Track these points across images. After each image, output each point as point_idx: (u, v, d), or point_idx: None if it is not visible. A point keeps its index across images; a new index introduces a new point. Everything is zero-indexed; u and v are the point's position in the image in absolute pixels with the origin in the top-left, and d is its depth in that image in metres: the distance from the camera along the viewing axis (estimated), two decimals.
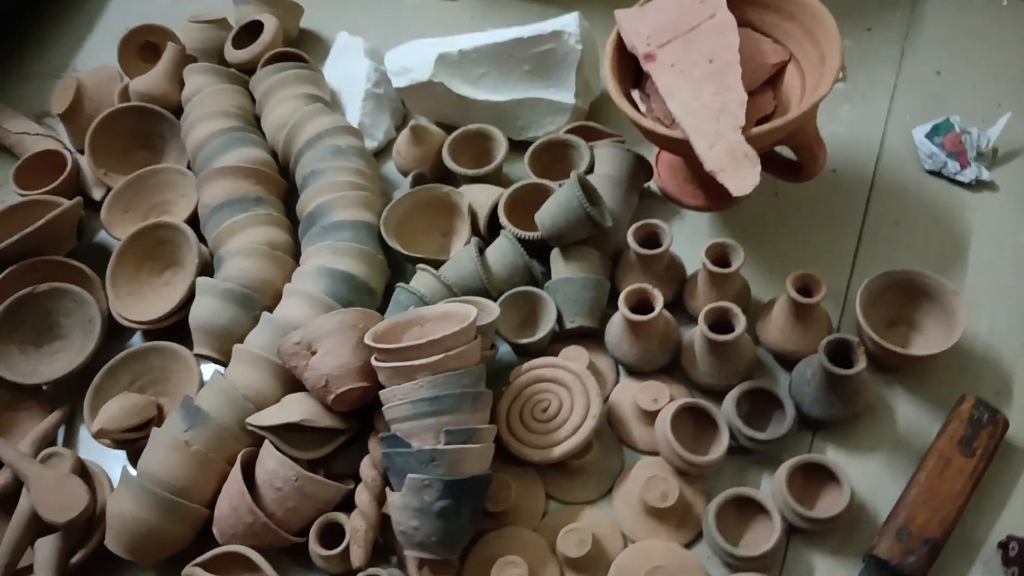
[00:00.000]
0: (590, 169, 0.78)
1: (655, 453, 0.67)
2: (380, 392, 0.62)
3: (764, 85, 0.74)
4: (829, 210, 0.79)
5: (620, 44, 0.74)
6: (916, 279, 0.68)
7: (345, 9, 1.07)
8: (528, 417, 0.66)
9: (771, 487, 0.63)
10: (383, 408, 0.62)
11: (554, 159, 0.81)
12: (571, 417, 0.65)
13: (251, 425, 0.65)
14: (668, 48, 0.70)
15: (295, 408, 0.65)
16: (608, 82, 0.71)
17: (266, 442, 0.64)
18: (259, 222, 0.78)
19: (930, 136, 0.80)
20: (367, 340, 0.62)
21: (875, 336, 0.65)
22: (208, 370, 0.75)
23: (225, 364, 0.72)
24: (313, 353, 0.64)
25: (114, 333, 0.79)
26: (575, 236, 0.72)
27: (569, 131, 0.83)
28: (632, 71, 0.74)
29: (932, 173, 0.79)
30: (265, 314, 0.71)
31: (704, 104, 0.66)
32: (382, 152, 0.90)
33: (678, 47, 0.70)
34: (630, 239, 0.70)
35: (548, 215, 0.72)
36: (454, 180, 0.84)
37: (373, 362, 0.62)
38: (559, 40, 0.81)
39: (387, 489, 0.62)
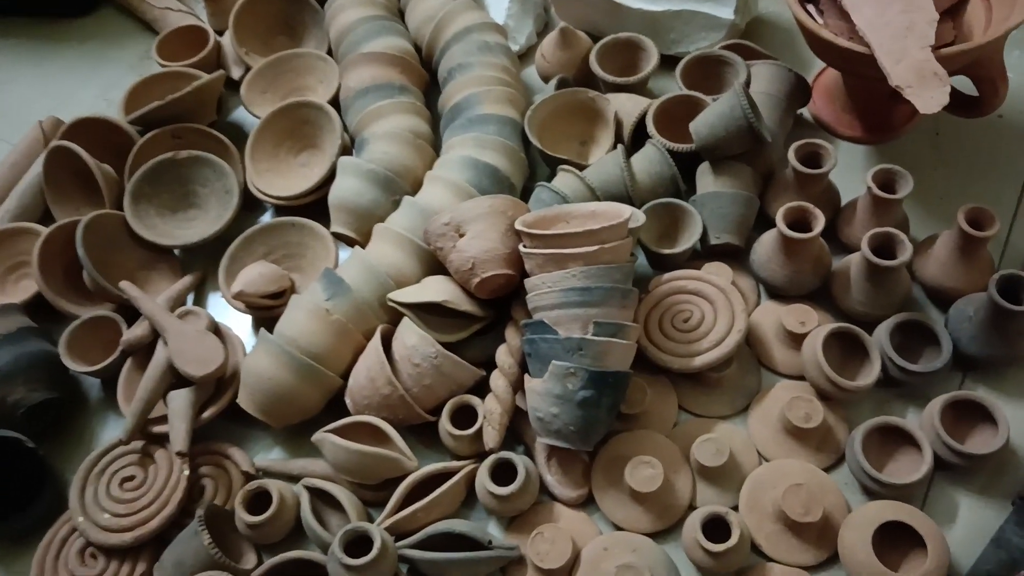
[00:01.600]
0: (746, 85, 0.75)
1: (796, 377, 0.65)
2: (526, 280, 0.61)
3: (944, 14, 0.70)
4: (992, 156, 0.75)
5: None
6: None
7: None
8: (668, 326, 0.65)
9: (921, 420, 0.61)
10: (528, 295, 0.61)
11: (706, 75, 0.79)
12: (714, 329, 0.63)
13: (392, 301, 0.64)
14: None
15: (437, 288, 0.65)
16: None
17: (405, 319, 0.64)
18: (403, 109, 0.77)
19: None
20: (518, 225, 0.61)
21: None
22: (344, 251, 0.75)
23: (362, 244, 0.72)
24: (461, 235, 0.63)
25: (249, 206, 0.80)
26: (732, 149, 0.69)
27: (723, 48, 0.80)
28: None
29: None
30: (407, 198, 0.71)
31: (890, 21, 0.63)
32: (523, 58, 0.88)
33: None
34: (791, 157, 0.67)
35: (705, 124, 0.69)
36: (598, 88, 0.82)
37: (522, 248, 0.61)
38: None
39: (526, 375, 0.61)
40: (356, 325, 0.65)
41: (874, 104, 0.76)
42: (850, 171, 0.74)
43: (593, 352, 0.57)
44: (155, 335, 0.69)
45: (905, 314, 0.63)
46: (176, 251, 0.78)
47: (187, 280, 0.76)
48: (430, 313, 0.65)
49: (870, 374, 0.61)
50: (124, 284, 0.70)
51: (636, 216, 0.61)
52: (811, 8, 0.70)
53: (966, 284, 0.64)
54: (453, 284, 0.65)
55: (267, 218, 0.81)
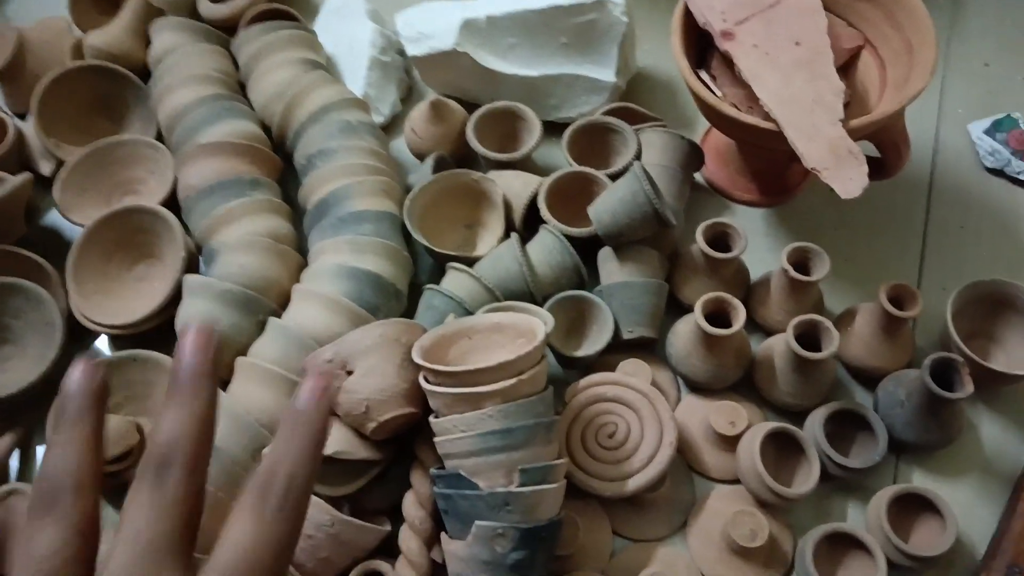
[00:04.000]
0: (637, 157, 0.70)
1: (728, 481, 0.60)
2: (433, 421, 0.52)
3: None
4: (889, 210, 0.73)
5: (687, 18, 0.65)
6: (1005, 289, 0.62)
7: None
8: (592, 443, 0.58)
9: (867, 521, 0.57)
10: (438, 439, 0.52)
11: (592, 143, 0.72)
12: (643, 444, 0.57)
13: None
14: (747, 26, 0.62)
15: (331, 436, 0.55)
16: (679, 60, 0.63)
17: None
18: (258, 209, 0.66)
19: (990, 132, 0.75)
20: (417, 359, 0.52)
21: (969, 352, 0.59)
22: None
23: (221, 384, 0.61)
24: (349, 373, 0.54)
25: (76, 336, 0.66)
26: (637, 235, 0.63)
27: (607, 113, 0.74)
28: (695, 49, 0.66)
29: (992, 171, 0.74)
30: (274, 320, 0.60)
31: (795, 93, 0.59)
32: (387, 129, 0.79)
33: (758, 26, 0.63)
34: (700, 241, 0.62)
35: (607, 211, 0.63)
36: (476, 164, 0.74)
37: (426, 386, 0.52)
38: (603, 10, 0.72)
39: (443, 534, 0.53)
40: (228, 493, 0.54)
41: (770, 167, 0.72)
42: (752, 238, 0.70)
43: (522, 506, 0.49)
44: None
45: (837, 404, 0.60)
46: None
47: (6, 441, 0.62)
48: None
49: (810, 477, 0.56)
50: None
51: (547, 323, 0.54)
52: (703, 74, 0.65)
53: (890, 362, 0.61)
54: (342, 427, 0.56)
55: (103, 349, 0.68)
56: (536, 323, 0.53)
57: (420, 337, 0.55)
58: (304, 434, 0.32)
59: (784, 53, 0.61)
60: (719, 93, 0.63)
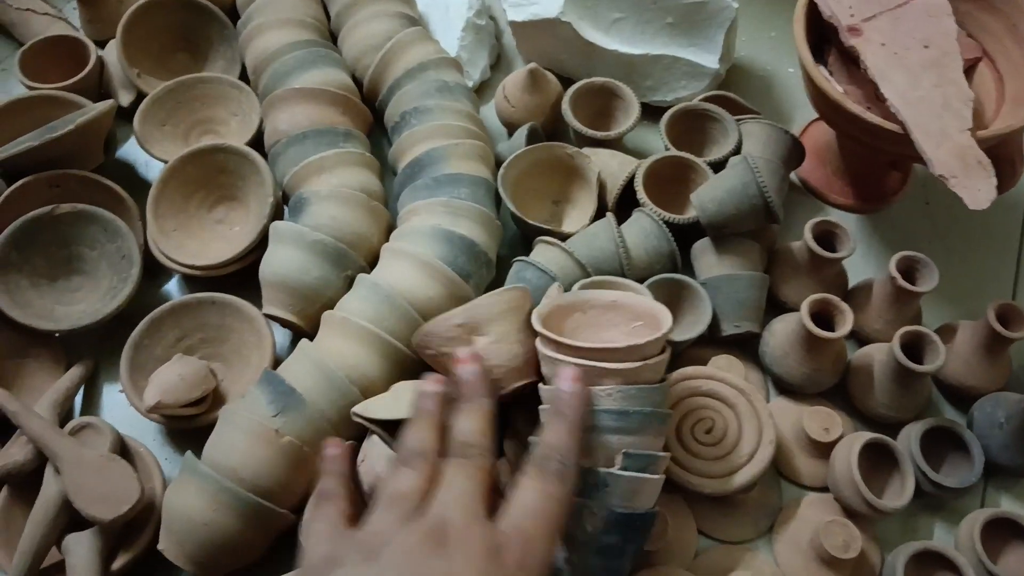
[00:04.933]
0: (738, 148, 0.68)
1: (817, 488, 0.59)
2: (543, 388, 0.50)
3: None
4: (986, 227, 0.71)
5: (810, 9, 0.63)
6: None
7: None
8: (689, 438, 0.56)
9: (956, 541, 0.56)
10: (542, 407, 0.50)
11: (688, 129, 0.70)
12: (742, 441, 0.55)
13: (358, 416, 0.52)
14: (875, 23, 0.61)
15: (411, 399, 0.53)
16: (802, 52, 0.61)
17: (374, 438, 0.52)
18: (351, 161, 0.64)
19: None
20: (539, 328, 0.50)
21: None
22: (279, 334, 0.62)
23: (306, 332, 0.59)
24: (477, 338, 0.52)
25: (150, 273, 0.64)
26: (742, 227, 0.62)
27: (705, 99, 0.72)
28: (814, 41, 0.64)
29: None
30: (365, 277, 0.58)
31: (924, 96, 0.57)
32: (476, 94, 0.77)
33: (885, 24, 0.61)
34: (808, 237, 0.60)
35: (713, 200, 0.61)
36: (567, 139, 0.72)
37: (544, 351, 0.50)
38: None
39: None
40: (313, 448, 0.52)
41: (870, 171, 0.70)
42: None
43: (621, 490, 0.48)
44: (41, 459, 0.53)
45: (932, 420, 0.58)
46: (57, 335, 0.62)
47: (74, 374, 0.60)
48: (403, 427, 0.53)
49: (904, 492, 0.55)
50: None
51: (667, 318, 0.52)
52: (820, 68, 0.63)
53: (988, 382, 0.60)
54: None
55: (173, 290, 0.66)
56: (658, 309, 0.51)
57: (535, 306, 0.54)
58: (569, 417, 0.45)
59: (912, 54, 0.59)
60: (839, 88, 0.61)
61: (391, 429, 0.52)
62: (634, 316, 0.53)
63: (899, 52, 0.59)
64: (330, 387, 0.53)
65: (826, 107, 0.61)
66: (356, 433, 0.54)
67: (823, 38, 0.65)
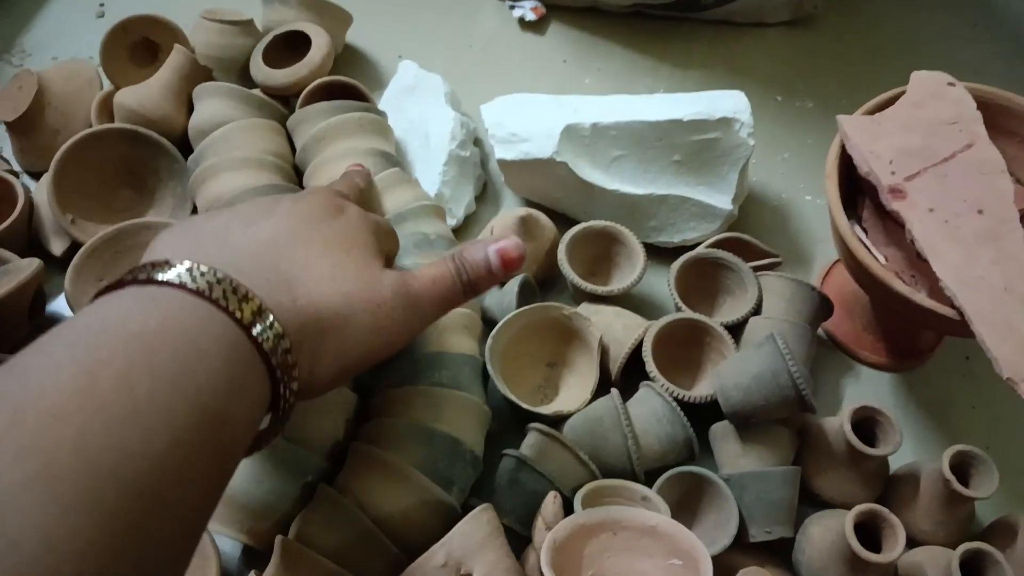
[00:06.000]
0: (757, 307, 0.60)
1: None
2: None
3: None
4: None
5: (843, 162, 0.55)
6: None
7: (394, 26, 0.84)
8: None
9: None
10: None
11: (700, 277, 0.62)
12: None
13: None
14: (919, 183, 0.53)
15: None
16: (838, 219, 0.53)
17: None
18: None
19: None
20: (546, 570, 0.41)
21: None
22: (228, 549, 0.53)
23: (259, 550, 0.49)
24: None
25: None
26: (771, 417, 0.53)
27: (716, 244, 0.64)
28: (844, 190, 0.56)
29: None
30: (328, 492, 0.49)
31: (982, 276, 0.49)
32: (458, 232, 0.68)
33: (932, 184, 0.53)
34: (847, 429, 0.52)
35: (738, 387, 0.53)
36: (562, 286, 0.64)
37: None
38: (728, 130, 0.62)
39: None
40: None
41: (904, 327, 0.62)
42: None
43: None
44: None
45: None
46: None
47: None
48: None
49: None
50: None
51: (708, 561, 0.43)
52: (855, 227, 0.55)
53: None
54: None
55: None
56: (700, 552, 0.42)
57: (556, 526, 0.45)
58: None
59: (965, 222, 0.51)
60: (881, 258, 0.53)
61: None
62: (673, 551, 0.44)
63: (950, 220, 0.51)
64: None
65: (867, 281, 0.53)
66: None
67: (854, 186, 0.57)
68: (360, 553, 0.47)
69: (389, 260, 0.46)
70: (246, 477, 0.49)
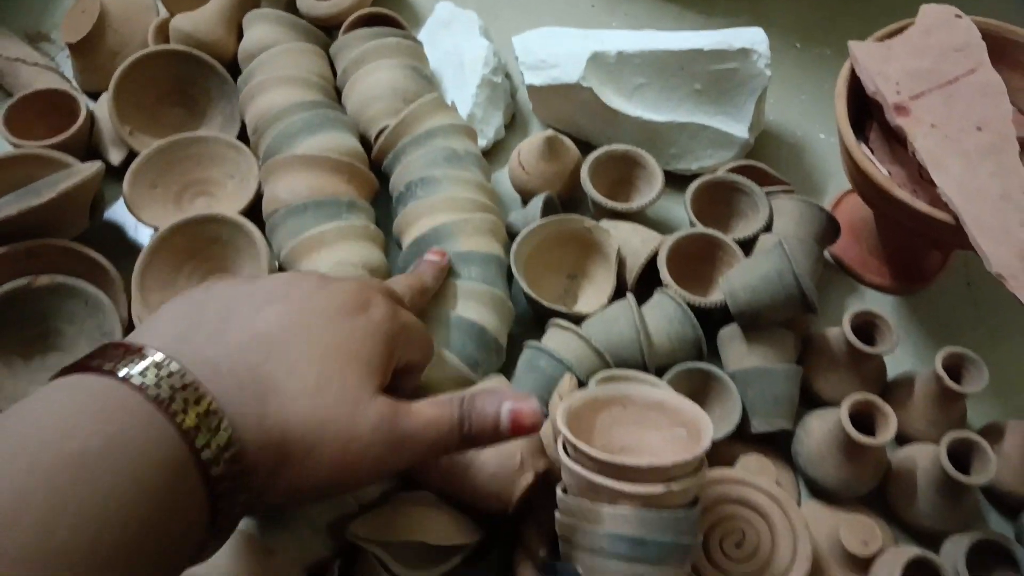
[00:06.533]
0: (768, 224, 0.63)
1: None
2: (560, 497, 0.45)
3: None
4: None
5: (852, 83, 0.59)
6: None
7: None
8: (718, 552, 0.51)
9: None
10: (560, 517, 0.45)
11: (714, 202, 0.66)
12: (774, 557, 0.50)
13: (356, 537, 0.47)
14: (924, 102, 0.56)
15: (417, 519, 0.48)
16: (845, 133, 0.56)
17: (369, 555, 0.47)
18: (353, 235, 0.60)
19: None
20: (562, 427, 0.45)
21: None
22: None
23: None
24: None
25: None
26: (774, 318, 0.57)
27: (733, 170, 0.68)
28: (853, 114, 0.60)
29: None
30: None
31: (981, 186, 0.52)
32: (488, 155, 0.72)
33: (936, 102, 0.56)
34: (847, 330, 0.55)
35: (745, 288, 0.56)
36: (583, 209, 0.68)
37: (562, 456, 0.45)
38: (746, 60, 0.66)
39: None
40: (292, 559, 0.47)
41: (909, 250, 0.66)
42: None
43: None
44: None
45: (979, 534, 0.53)
46: None
47: None
48: (402, 544, 0.48)
49: None
50: None
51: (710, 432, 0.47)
52: (862, 147, 0.59)
53: None
54: (432, 511, 0.49)
55: None
56: (703, 421, 0.46)
57: (570, 397, 0.49)
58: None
59: (967, 137, 0.54)
60: (883, 171, 0.57)
61: (387, 546, 0.47)
62: (678, 422, 0.48)
63: (951, 135, 0.54)
64: None
65: (869, 191, 0.57)
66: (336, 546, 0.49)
67: (864, 111, 0.61)
68: None
69: (411, 369, 0.43)
70: None
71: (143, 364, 0.31)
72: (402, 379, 0.42)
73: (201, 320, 0.35)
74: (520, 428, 0.39)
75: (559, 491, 0.46)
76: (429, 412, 0.38)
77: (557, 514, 0.45)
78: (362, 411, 0.36)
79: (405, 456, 0.37)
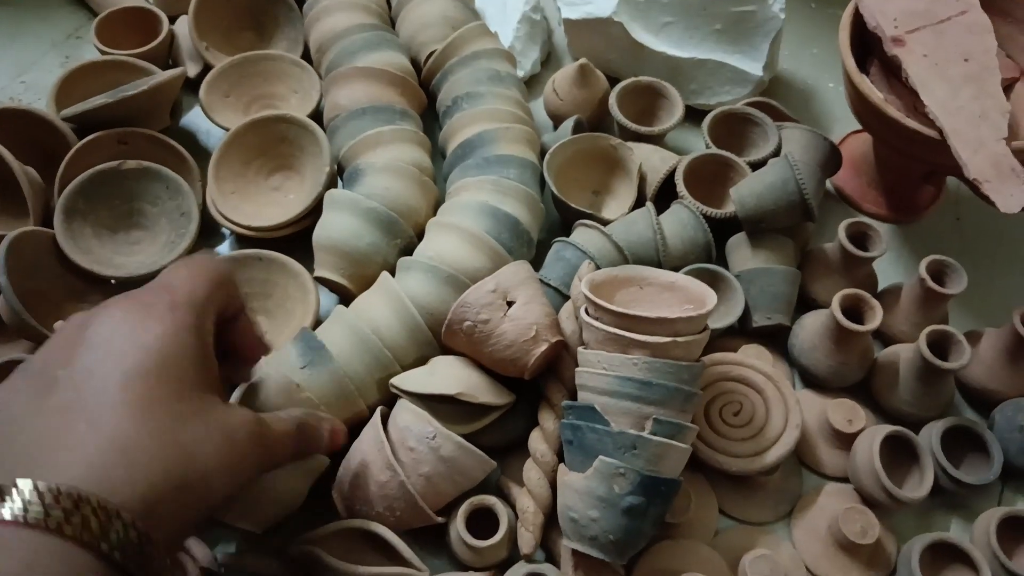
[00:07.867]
0: (777, 151, 0.70)
1: (836, 478, 0.60)
2: (581, 351, 0.53)
3: None
4: (1012, 243, 0.73)
5: (855, 19, 0.66)
6: None
7: None
8: (717, 419, 0.58)
9: (973, 536, 0.57)
10: (579, 369, 0.52)
11: (729, 132, 0.73)
12: (768, 424, 0.57)
13: (396, 388, 0.54)
14: (918, 36, 0.63)
15: (449, 377, 0.55)
16: (846, 58, 0.63)
17: (402, 400, 0.54)
18: (405, 138, 0.67)
19: None
20: (585, 289, 0.52)
21: None
22: (325, 296, 0.65)
23: (353, 295, 0.61)
24: (509, 304, 0.54)
25: (205, 232, 0.67)
26: (777, 223, 0.64)
27: (747, 105, 0.74)
28: (856, 53, 0.66)
29: None
30: (424, 254, 0.60)
31: (962, 106, 0.59)
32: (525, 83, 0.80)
33: (928, 37, 0.63)
34: (842, 236, 0.62)
35: (752, 194, 0.63)
36: (612, 133, 0.74)
37: (583, 317, 0.52)
38: (763, 3, 0.73)
39: (560, 465, 0.53)
40: (333, 407, 0.53)
41: (905, 183, 0.72)
42: None
43: (649, 454, 0.50)
44: None
45: (953, 419, 0.59)
46: (113, 281, 0.65)
47: None
48: (440, 402, 0.55)
49: (923, 484, 0.56)
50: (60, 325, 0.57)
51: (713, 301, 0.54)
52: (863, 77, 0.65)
53: (1010, 388, 0.61)
54: (468, 369, 0.56)
55: (226, 249, 0.69)
56: (708, 294, 0.53)
57: (592, 272, 0.56)
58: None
59: (953, 66, 0.61)
60: (879, 95, 0.63)
61: (425, 401, 0.54)
62: (688, 299, 0.55)
63: (940, 64, 0.61)
64: (363, 349, 0.55)
65: (866, 111, 0.63)
66: (378, 400, 0.56)
67: (866, 50, 0.67)
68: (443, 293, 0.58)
69: (234, 314, 0.46)
70: (349, 232, 0.61)
71: (13, 499, 0.29)
72: (236, 329, 0.46)
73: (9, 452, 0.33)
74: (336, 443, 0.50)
75: (580, 349, 0.53)
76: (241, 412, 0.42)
77: (577, 368, 0.53)
78: (209, 411, 0.38)
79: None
